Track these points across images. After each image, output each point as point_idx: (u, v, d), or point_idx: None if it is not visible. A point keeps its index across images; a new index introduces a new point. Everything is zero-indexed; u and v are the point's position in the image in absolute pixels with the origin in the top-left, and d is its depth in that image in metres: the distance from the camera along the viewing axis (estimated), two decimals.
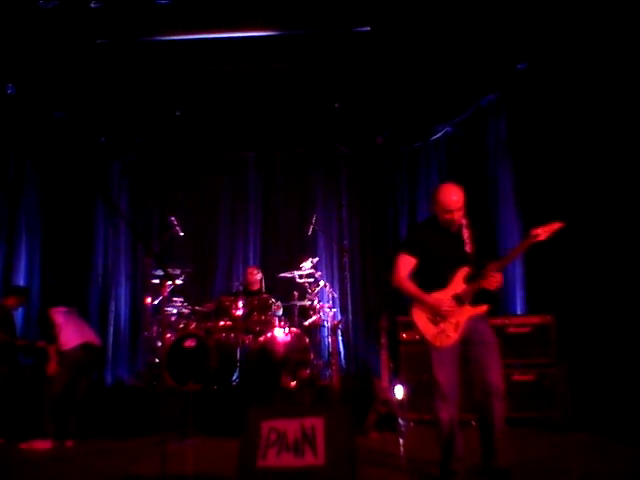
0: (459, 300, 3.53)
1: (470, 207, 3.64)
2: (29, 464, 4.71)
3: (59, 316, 5.60)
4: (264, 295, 7.00)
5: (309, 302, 6.98)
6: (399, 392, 5.58)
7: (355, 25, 6.31)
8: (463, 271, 3.56)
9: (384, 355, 5.65)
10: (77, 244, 8.50)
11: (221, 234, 8.89)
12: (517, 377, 5.52)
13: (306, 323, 6.93)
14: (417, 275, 3.68)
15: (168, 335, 6.61)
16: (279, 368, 6.24)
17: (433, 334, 3.56)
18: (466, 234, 3.61)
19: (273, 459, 2.69)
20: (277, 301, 7.02)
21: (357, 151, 8.84)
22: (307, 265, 7.07)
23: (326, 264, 8.49)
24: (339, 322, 7.10)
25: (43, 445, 5.18)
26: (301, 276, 7.09)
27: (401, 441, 5.09)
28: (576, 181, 5.83)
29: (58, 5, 5.92)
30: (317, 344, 7.19)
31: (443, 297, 3.53)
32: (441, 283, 3.58)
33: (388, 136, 8.59)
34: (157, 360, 6.75)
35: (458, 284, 3.55)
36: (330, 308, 7.11)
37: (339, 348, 7.37)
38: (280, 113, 8.07)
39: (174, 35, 6.53)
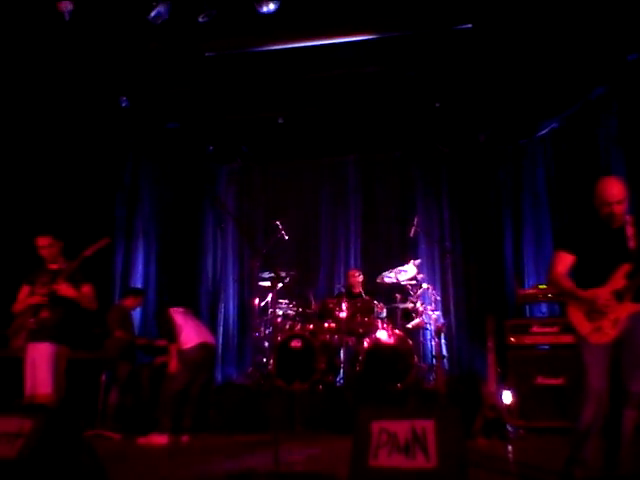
0: (619, 296, 3.40)
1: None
2: (147, 458, 4.93)
3: (178, 316, 5.88)
4: (367, 297, 7.04)
5: (412, 304, 6.96)
6: (507, 397, 5.44)
7: (456, 23, 6.23)
8: (624, 268, 3.42)
9: (491, 359, 5.53)
10: (188, 247, 8.99)
11: (323, 237, 9.06)
12: None
13: (409, 326, 6.91)
14: (576, 272, 3.60)
15: (275, 335, 6.83)
16: (384, 370, 6.25)
17: (589, 330, 3.44)
18: (630, 231, 3.47)
19: (385, 459, 2.72)
20: (380, 303, 7.04)
21: (458, 150, 8.71)
22: (410, 267, 7.03)
23: (428, 266, 8.41)
24: (443, 325, 7.02)
25: (160, 440, 5.40)
26: (404, 278, 7.07)
27: (510, 447, 4.97)
28: None
29: (167, 20, 6.26)
30: (421, 347, 7.15)
31: (602, 292, 3.42)
32: (600, 280, 3.46)
33: (491, 134, 8.39)
34: (265, 360, 6.97)
35: (618, 280, 3.42)
36: (433, 310, 7.04)
37: (443, 351, 7.28)
38: (380, 115, 8.10)
39: (275, 45, 6.73)
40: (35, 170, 7.07)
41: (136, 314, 7.33)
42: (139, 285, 8.05)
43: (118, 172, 8.19)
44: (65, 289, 4.57)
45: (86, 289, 4.74)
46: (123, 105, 7.61)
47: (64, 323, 4.63)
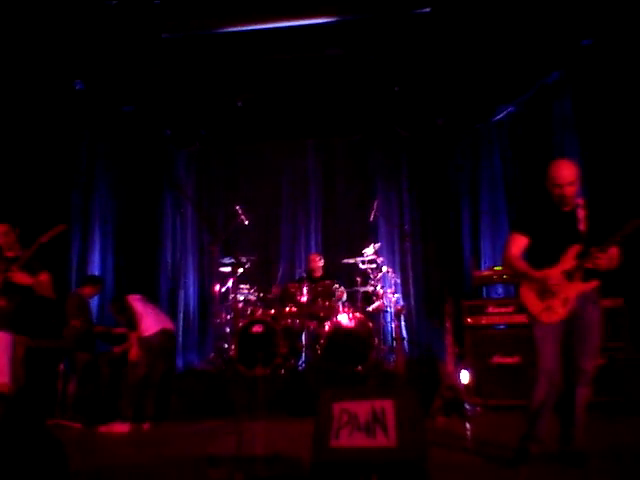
0: (569, 276, 3.50)
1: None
2: (109, 445, 4.92)
3: (138, 303, 5.82)
4: (327, 281, 7.08)
5: (372, 288, 7.03)
6: (465, 377, 5.57)
7: (415, 7, 6.25)
8: (574, 249, 3.52)
9: (449, 340, 5.65)
10: (147, 233, 8.86)
11: (283, 221, 9.04)
12: None
13: (369, 309, 6.99)
14: (529, 253, 3.70)
15: (236, 321, 6.82)
16: (346, 353, 6.32)
17: (540, 309, 3.55)
18: (581, 213, 3.57)
19: (346, 439, 2.77)
20: (340, 287, 7.09)
21: (417, 134, 8.78)
22: (369, 251, 7.10)
23: (388, 249, 8.51)
24: (402, 307, 7.12)
25: (122, 428, 5.37)
26: (363, 262, 7.14)
27: (468, 425, 5.10)
28: None
29: (123, 1, 6.12)
30: (381, 329, 7.25)
31: (552, 273, 3.51)
32: (551, 260, 3.56)
33: (449, 118, 8.48)
34: (226, 345, 6.96)
35: (569, 261, 3.52)
36: (393, 293, 7.13)
37: (403, 333, 7.40)
38: (339, 99, 8.10)
39: (233, 27, 6.63)
40: None
41: (94, 302, 7.20)
42: (96, 272, 7.91)
43: (73, 157, 7.97)
44: (20, 276, 4.52)
45: (43, 277, 4.68)
46: (77, 88, 7.42)
47: (21, 312, 4.57)
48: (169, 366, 6.16)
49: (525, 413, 3.61)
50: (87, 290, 6.68)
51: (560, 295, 3.51)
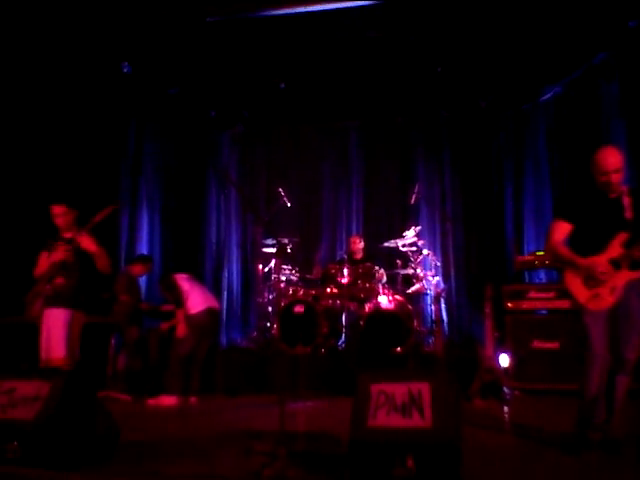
0: (615, 264, 3.48)
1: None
2: (158, 418, 5.15)
3: (184, 282, 6.02)
4: (368, 264, 7.16)
5: (412, 270, 7.07)
6: (504, 361, 5.60)
7: None
8: (621, 237, 3.49)
9: (489, 324, 5.67)
10: (192, 214, 9.08)
11: (324, 203, 9.12)
12: None
13: (409, 291, 7.04)
14: (573, 241, 3.68)
15: (279, 301, 6.99)
16: (385, 335, 6.41)
17: (587, 297, 3.53)
18: (627, 201, 3.54)
19: (383, 419, 2.88)
20: (380, 269, 7.16)
21: (460, 116, 8.70)
22: (410, 234, 7.13)
23: (429, 232, 8.50)
24: (442, 290, 7.15)
25: (169, 401, 5.60)
26: (404, 245, 7.18)
27: (505, 408, 5.15)
28: None
29: None
30: (420, 312, 7.31)
31: (599, 261, 3.50)
32: (597, 249, 3.54)
33: (493, 99, 8.37)
34: (268, 324, 7.14)
35: (615, 249, 3.49)
36: (433, 276, 7.15)
37: (442, 316, 7.43)
38: (380, 81, 8.06)
39: (277, 10, 6.69)
40: (39, 139, 7.11)
41: (142, 280, 7.45)
42: (144, 252, 8.16)
43: (121, 139, 8.21)
44: (87, 241, 4.66)
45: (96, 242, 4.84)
46: (125, 71, 7.60)
47: (79, 289, 4.75)
48: (213, 343, 6.37)
49: (579, 400, 3.58)
50: (137, 269, 6.91)
51: (608, 283, 3.48)
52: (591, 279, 3.50)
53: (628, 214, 3.50)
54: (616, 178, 3.50)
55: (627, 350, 3.48)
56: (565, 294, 5.78)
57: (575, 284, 3.59)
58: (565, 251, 3.65)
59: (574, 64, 7.41)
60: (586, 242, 3.59)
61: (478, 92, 8.29)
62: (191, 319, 5.85)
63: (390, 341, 6.38)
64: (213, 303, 6.12)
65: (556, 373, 5.60)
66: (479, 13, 6.55)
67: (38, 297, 4.70)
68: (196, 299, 5.92)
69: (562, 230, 3.69)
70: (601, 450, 3.47)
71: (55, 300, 4.67)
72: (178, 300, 5.89)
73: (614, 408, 3.52)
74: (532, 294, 5.99)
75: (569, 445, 3.55)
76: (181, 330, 5.85)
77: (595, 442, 3.47)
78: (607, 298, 3.48)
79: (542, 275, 7.27)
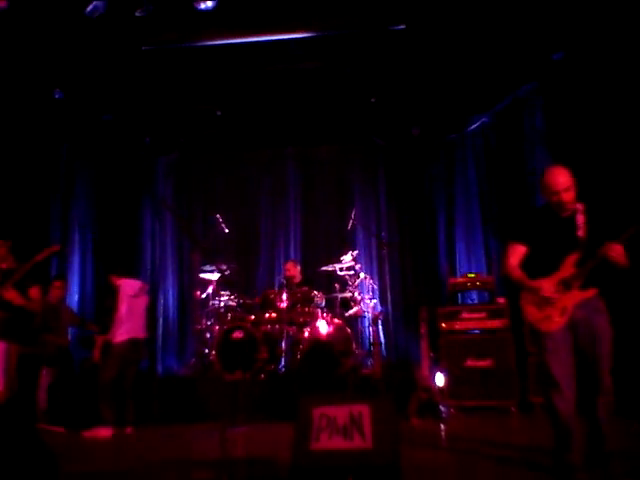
0: (566, 285, 3.46)
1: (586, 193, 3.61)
2: (94, 450, 5.00)
3: (126, 302, 5.89)
4: (306, 288, 7.23)
5: (350, 294, 7.20)
6: (440, 380, 5.77)
7: (391, 23, 6.46)
8: (573, 256, 3.47)
9: (424, 344, 5.84)
10: (126, 240, 8.89)
11: (262, 229, 9.14)
12: None
13: (347, 314, 7.15)
14: (528, 262, 3.64)
15: (217, 327, 6.95)
16: (324, 358, 6.47)
17: (538, 319, 3.52)
18: (580, 219, 3.50)
19: (325, 442, 2.93)
20: (319, 292, 7.24)
21: (394, 144, 8.98)
22: (347, 258, 7.27)
23: (366, 256, 8.68)
24: (380, 313, 7.30)
25: (105, 432, 5.45)
26: (341, 269, 7.30)
27: (442, 426, 5.30)
28: (616, 173, 5.81)
29: (104, 14, 6.21)
30: (359, 334, 7.42)
31: (548, 282, 3.47)
32: (551, 269, 3.51)
33: (424, 128, 8.68)
34: (207, 351, 7.07)
35: (567, 269, 3.48)
36: (370, 299, 7.30)
37: (380, 338, 7.57)
38: (317, 109, 8.26)
39: (214, 40, 6.78)
40: None
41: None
42: (76, 279, 7.96)
43: (53, 165, 8.05)
44: (11, 295, 4.63)
45: (34, 292, 4.81)
46: (57, 97, 7.47)
47: (13, 321, 4.68)
48: (150, 371, 6.25)
49: (552, 428, 3.49)
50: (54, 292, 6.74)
51: (558, 304, 3.46)
52: (543, 301, 3.48)
53: (580, 232, 3.47)
54: (567, 197, 3.48)
55: (600, 374, 3.42)
56: (495, 314, 6.13)
57: (527, 305, 3.59)
58: (518, 274, 3.63)
59: (500, 95, 7.80)
60: (540, 263, 3.57)
61: (410, 121, 8.59)
62: (113, 347, 5.77)
63: (330, 364, 6.44)
64: (138, 333, 5.98)
65: (488, 390, 5.83)
66: (410, 48, 6.85)
67: None
68: (124, 327, 5.83)
69: (517, 252, 3.66)
70: (593, 467, 3.42)
71: None
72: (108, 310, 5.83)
73: (602, 427, 3.43)
74: (464, 315, 6.22)
75: (557, 471, 3.45)
76: (96, 355, 5.93)
77: (578, 465, 3.37)
78: (557, 319, 3.47)
79: (474, 296, 7.55)
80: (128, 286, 5.99)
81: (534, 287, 3.51)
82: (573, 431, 3.41)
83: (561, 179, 3.49)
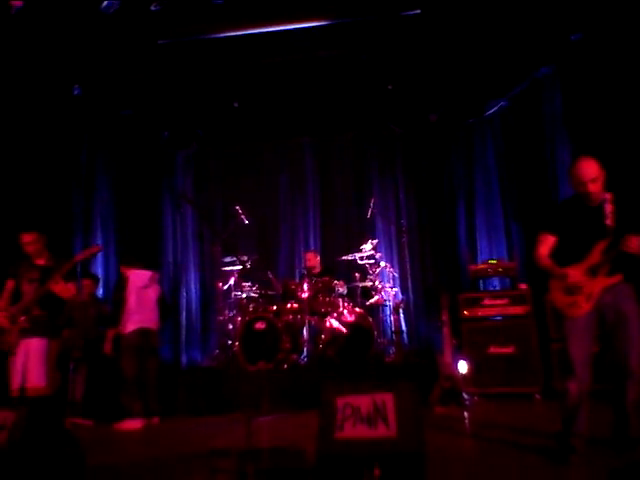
0: (592, 271, 3.56)
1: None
2: (122, 442, 5.07)
3: (134, 294, 5.95)
4: (327, 277, 7.25)
5: (370, 283, 7.20)
6: (462, 367, 5.75)
7: (405, 9, 6.40)
8: (601, 244, 3.56)
9: (446, 332, 5.82)
10: (147, 234, 8.98)
11: (281, 220, 9.19)
12: None
13: (369, 303, 7.16)
14: (559, 251, 3.74)
15: (239, 318, 7.01)
16: (346, 347, 6.50)
17: (565, 304, 3.63)
18: (609, 208, 3.59)
19: (350, 430, 2.95)
20: (340, 280, 7.26)
21: (411, 131, 8.93)
22: (367, 247, 7.27)
23: (386, 245, 8.67)
24: (401, 301, 7.30)
25: (133, 424, 5.53)
26: (362, 258, 7.31)
27: (465, 414, 5.30)
28: (636, 155, 5.75)
29: (119, 10, 6.25)
30: (380, 323, 7.43)
31: (576, 270, 3.57)
32: (579, 257, 3.61)
33: (442, 114, 8.62)
34: (230, 342, 7.14)
35: (595, 256, 3.56)
36: (391, 288, 7.31)
37: (401, 326, 7.57)
38: (333, 98, 8.24)
39: (229, 32, 6.78)
40: None
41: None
42: (99, 273, 8.06)
43: (74, 161, 8.11)
44: (62, 288, 4.70)
45: (71, 286, 4.86)
46: (76, 93, 7.54)
47: (54, 318, 4.81)
48: (174, 363, 6.31)
49: (561, 409, 3.63)
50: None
51: (585, 290, 3.56)
52: (570, 287, 3.59)
53: (609, 221, 3.56)
54: (594, 187, 3.56)
55: (630, 356, 3.47)
56: (518, 300, 6.09)
57: (556, 291, 3.69)
58: (547, 262, 3.73)
59: (518, 78, 7.72)
60: (569, 252, 3.67)
61: (428, 108, 8.54)
62: (123, 339, 5.87)
63: (352, 353, 6.47)
64: (148, 323, 6.01)
65: (511, 377, 5.81)
66: (425, 33, 6.79)
67: (13, 327, 4.71)
68: (133, 318, 5.88)
69: (547, 242, 3.77)
70: (616, 450, 3.52)
71: (32, 330, 4.70)
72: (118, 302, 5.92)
73: (629, 413, 3.51)
74: (486, 301, 6.19)
75: (555, 453, 3.58)
76: (107, 348, 6.02)
77: (578, 448, 3.50)
78: (583, 305, 3.56)
79: (496, 282, 7.51)
80: (137, 277, 6.06)
81: (562, 274, 3.62)
82: (580, 416, 3.53)
83: (588, 170, 3.58)
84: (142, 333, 5.91)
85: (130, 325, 5.86)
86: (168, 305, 7.03)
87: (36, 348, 4.67)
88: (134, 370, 5.76)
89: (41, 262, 4.87)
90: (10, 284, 4.89)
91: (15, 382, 4.62)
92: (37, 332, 4.70)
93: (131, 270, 6.10)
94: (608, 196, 3.63)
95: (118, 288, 6.38)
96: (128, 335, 5.85)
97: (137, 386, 5.75)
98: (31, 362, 4.63)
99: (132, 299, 5.94)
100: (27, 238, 4.85)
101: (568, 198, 3.86)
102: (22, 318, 4.69)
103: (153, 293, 6.16)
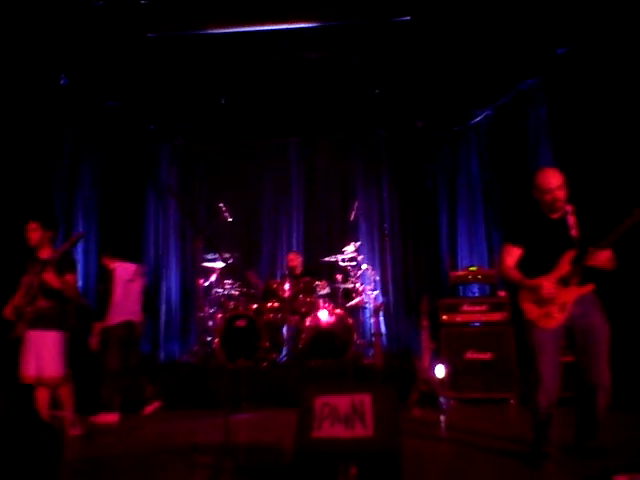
0: (564, 281, 3.58)
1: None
2: (100, 435, 5.02)
3: (121, 286, 5.92)
4: (309, 278, 7.28)
5: (352, 285, 7.24)
6: (440, 371, 5.82)
7: (396, 15, 6.46)
8: (569, 255, 3.60)
9: (425, 336, 5.89)
10: (130, 227, 8.90)
11: (265, 219, 9.18)
12: None
13: (349, 305, 7.20)
14: (524, 263, 3.77)
15: (219, 315, 7.00)
16: (326, 347, 6.53)
17: (537, 315, 3.64)
18: (571, 220, 3.66)
19: (327, 430, 2.99)
20: (322, 280, 7.29)
21: (397, 136, 8.99)
22: (350, 249, 7.31)
23: (368, 248, 8.71)
24: (381, 304, 7.34)
25: (110, 418, 5.50)
26: (344, 260, 7.35)
27: (442, 417, 5.36)
28: (617, 168, 5.85)
29: (109, 1, 6.22)
30: (360, 325, 7.47)
31: (548, 280, 3.59)
32: (547, 268, 3.64)
33: (428, 120, 8.69)
34: (209, 338, 7.13)
35: (564, 267, 3.60)
36: (372, 290, 7.35)
37: (381, 329, 7.62)
38: (321, 99, 8.24)
39: (220, 29, 6.78)
40: None
41: None
42: (80, 267, 7.98)
43: (57, 151, 8.01)
44: (50, 278, 4.72)
45: (69, 278, 4.88)
46: (62, 83, 7.48)
47: (64, 310, 4.89)
48: (151, 356, 6.27)
49: (532, 418, 3.68)
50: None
51: (557, 301, 3.58)
52: (543, 298, 3.60)
53: (574, 232, 3.63)
54: (561, 194, 3.62)
55: (598, 367, 3.53)
56: (496, 307, 6.17)
57: (527, 304, 3.71)
58: (515, 274, 3.75)
59: (504, 89, 7.80)
60: (536, 263, 3.70)
61: (414, 113, 8.60)
62: (109, 331, 5.82)
63: (331, 353, 6.51)
64: (133, 316, 5.99)
65: (488, 382, 5.89)
66: (414, 40, 6.85)
67: (21, 318, 4.78)
68: (119, 310, 5.86)
69: (512, 254, 3.79)
70: (582, 457, 3.61)
71: (43, 322, 4.75)
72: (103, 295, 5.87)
73: (596, 419, 3.59)
74: (466, 307, 6.25)
75: (529, 459, 3.64)
76: (93, 342, 5.88)
77: (552, 454, 3.57)
78: (557, 315, 3.60)
79: (475, 289, 7.59)
80: (123, 270, 6.03)
81: (534, 285, 3.63)
82: (551, 424, 3.59)
83: (553, 178, 3.66)
84: (127, 325, 5.90)
85: (116, 317, 5.84)
86: (151, 298, 6.98)
87: (52, 341, 4.76)
88: (118, 363, 5.72)
89: (44, 256, 4.91)
90: (23, 281, 4.95)
91: (26, 370, 4.71)
92: (49, 324, 4.77)
93: (115, 262, 6.06)
94: (569, 208, 3.70)
95: (102, 280, 6.33)
96: (114, 327, 5.81)
97: (118, 379, 5.70)
98: (47, 354, 4.72)
99: (118, 292, 5.92)
100: (30, 225, 4.93)
101: (529, 210, 3.87)
102: (28, 309, 4.75)
103: (138, 286, 6.13)
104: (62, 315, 4.89)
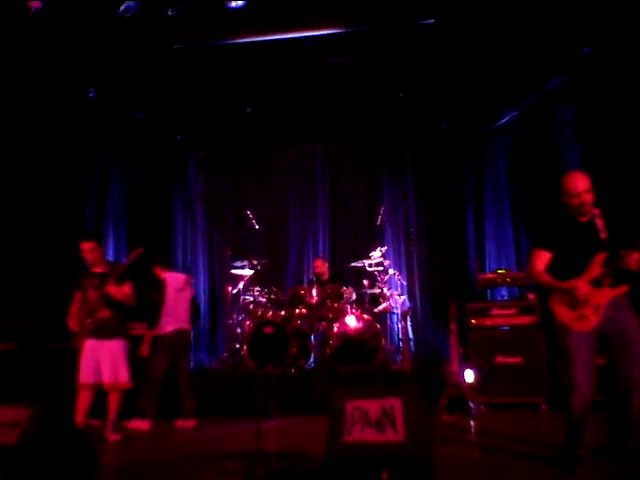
0: (596, 283, 3.58)
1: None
2: (133, 442, 5.08)
3: (171, 295, 6.01)
4: (336, 284, 7.29)
5: (379, 290, 7.23)
6: (469, 376, 5.76)
7: (420, 18, 6.45)
8: (600, 257, 3.60)
9: (453, 340, 5.84)
10: (158, 236, 9.03)
11: (292, 225, 9.25)
12: None
13: (377, 310, 7.18)
14: (555, 267, 3.76)
15: (247, 322, 7.05)
16: (354, 353, 6.53)
17: (571, 318, 3.63)
18: (600, 223, 3.65)
19: (358, 434, 2.99)
20: (349, 287, 7.29)
21: (422, 139, 8.97)
22: (376, 254, 7.30)
23: (394, 252, 8.70)
24: (408, 309, 7.31)
25: (143, 425, 5.54)
26: (370, 265, 7.34)
27: (472, 423, 5.31)
28: None
29: (137, 14, 6.33)
30: (388, 330, 7.45)
31: (581, 282, 3.59)
32: (578, 271, 3.64)
33: (453, 123, 8.65)
34: (238, 346, 7.18)
35: (595, 269, 3.60)
36: (399, 295, 7.33)
37: (409, 334, 7.59)
38: (345, 105, 8.27)
39: (244, 38, 6.85)
40: (3, 163, 7.09)
41: None
42: None
43: (87, 163, 8.20)
44: (114, 291, 5.02)
45: (127, 289, 5.13)
46: (91, 96, 7.63)
47: (123, 319, 5.24)
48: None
49: (565, 422, 3.66)
50: None
51: (591, 303, 3.58)
52: (575, 301, 3.59)
53: (603, 235, 3.62)
54: (588, 198, 3.63)
55: (633, 368, 3.51)
56: (526, 310, 6.09)
57: (559, 307, 3.69)
58: (547, 278, 3.75)
59: (530, 89, 7.73)
60: (567, 267, 3.69)
61: (439, 116, 8.57)
62: (160, 340, 5.89)
63: (359, 359, 6.50)
64: (183, 324, 6.10)
65: (518, 387, 5.81)
66: (439, 42, 6.83)
67: (82, 329, 5.06)
68: (170, 319, 5.94)
69: (542, 259, 3.79)
70: (617, 461, 3.56)
71: (108, 332, 5.07)
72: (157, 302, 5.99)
73: (631, 423, 3.55)
74: (494, 311, 6.20)
75: (562, 463, 3.60)
76: (145, 350, 6.00)
77: (585, 458, 3.53)
78: (591, 318, 3.58)
79: (504, 292, 7.52)
80: (174, 280, 6.13)
81: (569, 287, 3.62)
82: (585, 428, 3.57)
83: (580, 182, 3.68)
84: (179, 334, 5.98)
85: (167, 326, 5.94)
86: (198, 307, 7.08)
87: (118, 348, 5.11)
88: (163, 372, 5.80)
89: (99, 270, 5.15)
90: (77, 295, 5.21)
91: (84, 377, 5.00)
92: (114, 334, 5.10)
93: (166, 272, 6.17)
94: (596, 211, 3.68)
95: (153, 290, 6.41)
96: (165, 336, 5.91)
97: (158, 388, 5.75)
98: (120, 360, 5.09)
99: (170, 301, 6.02)
100: (85, 246, 5.13)
101: (557, 214, 3.87)
102: (88, 321, 5.02)
103: (187, 295, 6.23)
104: (123, 324, 5.23)
